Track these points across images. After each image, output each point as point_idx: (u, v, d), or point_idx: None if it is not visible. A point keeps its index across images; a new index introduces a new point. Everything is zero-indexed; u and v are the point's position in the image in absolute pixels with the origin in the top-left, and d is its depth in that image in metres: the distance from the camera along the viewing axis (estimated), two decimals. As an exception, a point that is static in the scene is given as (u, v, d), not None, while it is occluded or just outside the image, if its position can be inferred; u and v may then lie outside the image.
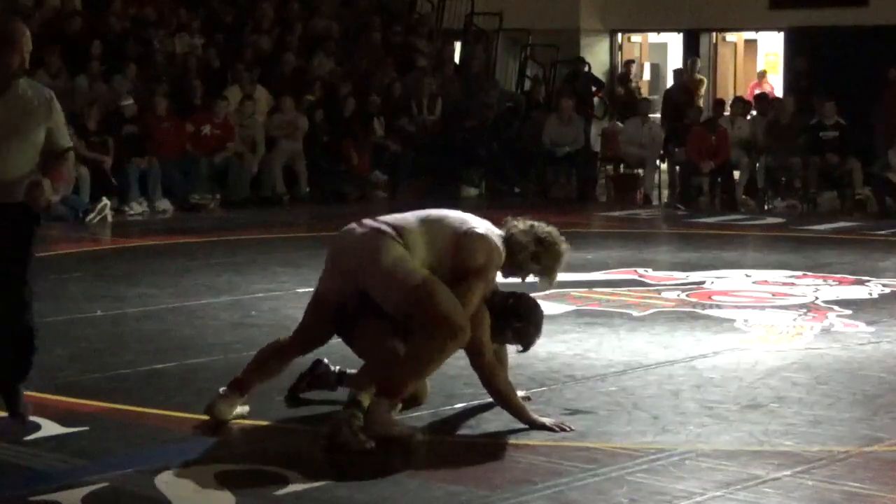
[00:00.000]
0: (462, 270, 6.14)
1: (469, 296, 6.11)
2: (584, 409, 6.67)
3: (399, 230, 6.17)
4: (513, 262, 6.35)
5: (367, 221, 6.29)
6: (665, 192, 18.79)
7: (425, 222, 6.24)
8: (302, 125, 17.85)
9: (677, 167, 18.54)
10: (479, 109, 19.73)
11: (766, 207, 17.62)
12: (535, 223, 6.45)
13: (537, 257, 6.38)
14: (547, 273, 6.45)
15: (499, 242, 6.27)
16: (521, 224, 6.41)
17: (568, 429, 6.22)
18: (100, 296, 10.13)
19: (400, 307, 6.10)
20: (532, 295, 6.62)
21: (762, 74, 23.87)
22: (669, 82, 22.34)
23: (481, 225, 6.30)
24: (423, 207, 6.43)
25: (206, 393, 7.03)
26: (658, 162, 18.93)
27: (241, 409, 6.44)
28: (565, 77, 21.88)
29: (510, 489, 5.42)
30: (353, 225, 6.38)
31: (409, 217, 6.29)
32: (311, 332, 6.48)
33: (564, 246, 6.47)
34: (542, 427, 6.21)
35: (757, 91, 21.59)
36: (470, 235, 6.19)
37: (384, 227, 6.19)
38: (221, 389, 6.45)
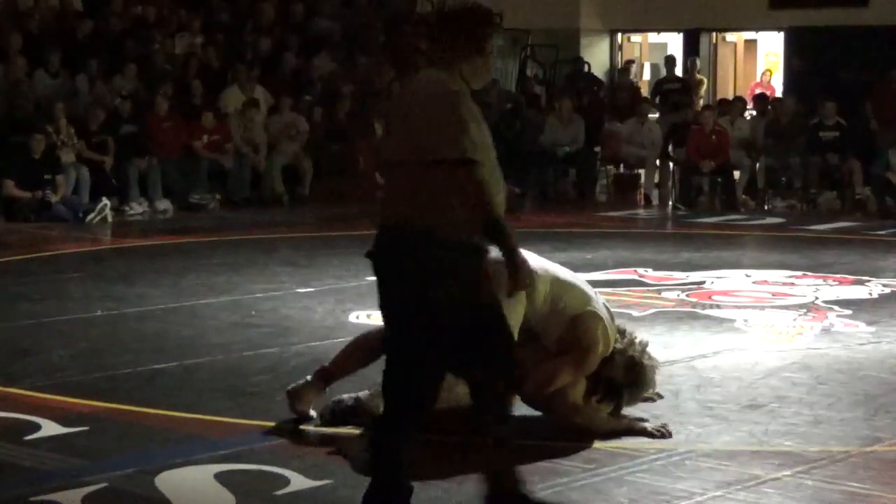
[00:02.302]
0: (570, 343, 6.19)
1: (565, 369, 6.17)
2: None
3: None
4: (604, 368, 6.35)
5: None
6: (663, 192, 18.78)
7: (556, 281, 6.25)
8: (301, 126, 17.86)
9: (671, 164, 18.55)
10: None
11: (766, 207, 17.62)
12: (640, 353, 6.38)
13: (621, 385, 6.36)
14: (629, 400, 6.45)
15: (611, 333, 6.29)
16: (628, 348, 6.36)
17: (667, 433, 6.19)
18: (100, 296, 10.13)
19: None
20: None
21: (767, 73, 23.87)
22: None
23: (603, 309, 6.33)
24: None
25: (207, 393, 7.04)
26: (658, 161, 18.93)
27: (312, 411, 6.45)
28: (565, 77, 21.87)
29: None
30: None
31: (543, 266, 6.30)
32: None
33: (650, 390, 6.50)
34: (644, 432, 6.18)
35: (758, 91, 21.60)
36: (592, 316, 6.22)
37: None
38: (308, 377, 6.46)
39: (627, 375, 6.29)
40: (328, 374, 6.49)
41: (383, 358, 6.87)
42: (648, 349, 6.42)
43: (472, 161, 4.74)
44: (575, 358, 6.20)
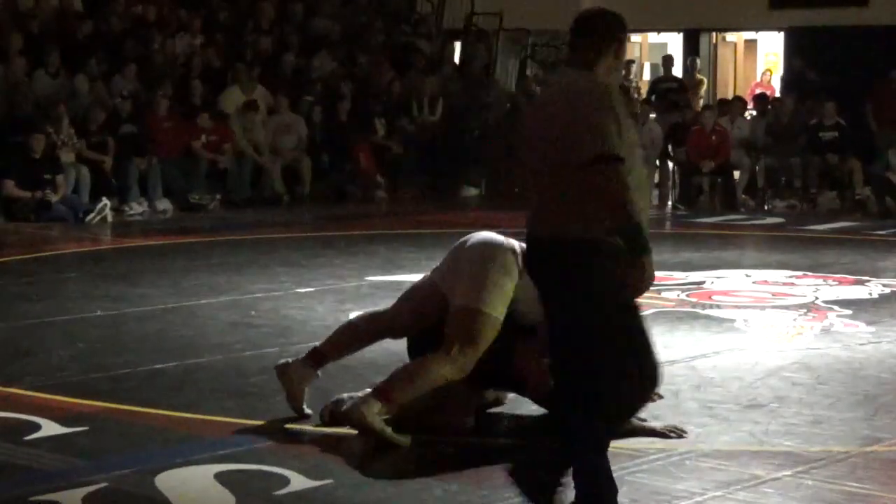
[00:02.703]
0: None
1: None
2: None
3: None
4: None
5: (512, 240, 6.26)
6: (663, 192, 18.78)
7: None
8: (300, 128, 17.85)
9: (671, 164, 18.53)
10: (480, 109, 19.72)
11: (766, 207, 17.62)
12: None
13: None
14: None
15: None
16: None
17: (683, 433, 6.17)
18: (100, 296, 10.13)
19: (454, 305, 6.08)
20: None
21: (767, 73, 23.87)
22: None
23: None
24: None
25: (206, 393, 7.04)
26: (658, 161, 18.92)
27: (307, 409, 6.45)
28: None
29: (510, 489, 5.41)
30: (493, 235, 6.35)
31: None
32: (406, 319, 6.45)
33: None
34: (653, 433, 6.15)
35: (758, 91, 21.61)
36: None
37: (518, 249, 6.13)
38: (301, 357, 6.48)
39: None
40: (320, 356, 6.50)
41: (378, 359, 6.90)
42: None
43: (615, 157, 4.67)
44: None
